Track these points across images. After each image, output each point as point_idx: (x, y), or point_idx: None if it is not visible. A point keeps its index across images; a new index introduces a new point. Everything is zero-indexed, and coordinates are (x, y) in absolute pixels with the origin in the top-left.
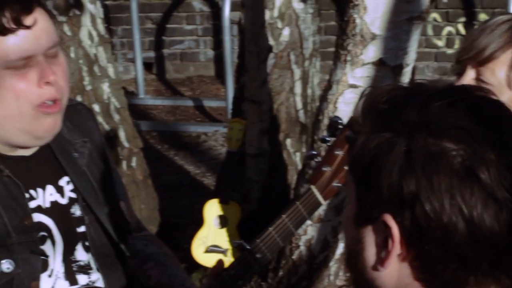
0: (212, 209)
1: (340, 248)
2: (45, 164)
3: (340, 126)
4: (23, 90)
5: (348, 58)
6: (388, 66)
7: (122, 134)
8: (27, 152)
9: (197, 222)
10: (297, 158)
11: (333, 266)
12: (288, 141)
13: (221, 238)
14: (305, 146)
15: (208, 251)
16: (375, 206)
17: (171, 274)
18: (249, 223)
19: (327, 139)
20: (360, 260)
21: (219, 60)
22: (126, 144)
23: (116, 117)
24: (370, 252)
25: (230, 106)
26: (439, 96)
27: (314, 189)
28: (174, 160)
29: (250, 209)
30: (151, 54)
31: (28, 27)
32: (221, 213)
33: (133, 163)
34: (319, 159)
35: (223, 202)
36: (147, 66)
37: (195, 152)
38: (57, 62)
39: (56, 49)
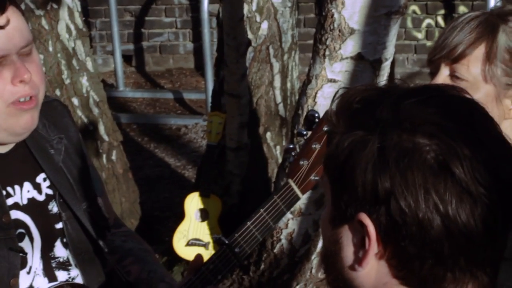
0: (193, 203)
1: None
2: (21, 161)
3: (317, 120)
4: None
5: (327, 52)
6: (367, 60)
7: (101, 128)
8: (2, 150)
9: (178, 215)
10: (277, 152)
11: (314, 259)
12: (268, 135)
13: (202, 231)
14: (285, 139)
15: (189, 244)
16: (350, 205)
17: (151, 269)
18: (230, 216)
19: (304, 132)
20: (338, 260)
21: (198, 52)
22: (105, 138)
23: (96, 110)
24: (348, 252)
25: (210, 99)
26: (411, 94)
27: (291, 182)
28: (155, 153)
29: (231, 203)
30: (130, 46)
31: (1, 27)
32: (202, 206)
33: (113, 157)
34: (296, 152)
35: (203, 196)
36: (126, 58)
37: (176, 144)
38: (31, 59)
39: (30, 47)
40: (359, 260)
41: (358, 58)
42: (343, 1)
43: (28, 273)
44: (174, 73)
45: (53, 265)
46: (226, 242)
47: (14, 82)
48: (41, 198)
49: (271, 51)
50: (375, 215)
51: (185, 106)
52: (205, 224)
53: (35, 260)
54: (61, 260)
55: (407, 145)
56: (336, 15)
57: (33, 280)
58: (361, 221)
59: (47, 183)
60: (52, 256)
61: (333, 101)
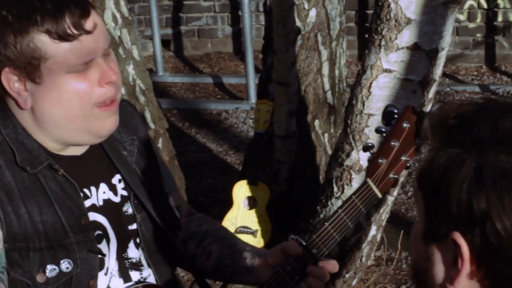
0: (241, 190)
1: (373, 231)
2: (97, 163)
3: (396, 116)
4: (86, 90)
5: (383, 42)
6: (423, 50)
7: (148, 116)
8: (78, 151)
9: (222, 201)
10: (325, 139)
11: (365, 248)
12: (316, 122)
13: (251, 219)
14: (333, 127)
15: (237, 232)
16: (444, 223)
17: (230, 244)
18: (278, 204)
19: (383, 129)
20: (429, 277)
21: (237, 36)
22: (152, 126)
23: (142, 99)
24: (439, 270)
25: (251, 83)
26: (510, 112)
27: (370, 182)
28: (196, 138)
29: (279, 190)
30: (169, 31)
31: (89, 32)
32: (250, 194)
33: (160, 144)
34: (374, 151)
35: (252, 183)
36: (165, 43)
37: (217, 130)
38: (110, 58)
39: (110, 47)
40: (451, 278)
41: (414, 48)
42: None
43: (106, 274)
44: (213, 58)
45: (127, 265)
46: (304, 243)
47: (101, 84)
48: (116, 199)
49: (319, 38)
50: (469, 236)
51: (225, 90)
52: (253, 212)
53: (111, 261)
54: (133, 261)
55: (505, 166)
56: (393, 5)
57: (109, 281)
58: (454, 240)
59: (122, 184)
60: (126, 256)
61: (428, 114)
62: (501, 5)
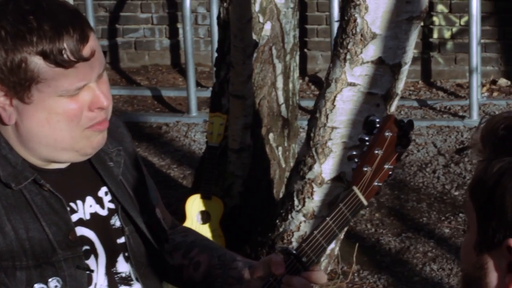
0: (194, 204)
1: (332, 244)
2: (82, 175)
3: (378, 125)
4: (76, 114)
5: (348, 56)
6: (387, 65)
7: None
8: (63, 164)
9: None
10: (279, 153)
11: (323, 261)
12: (271, 136)
13: (205, 233)
14: (287, 140)
15: None
16: (498, 231)
17: (220, 254)
18: (232, 218)
19: (366, 138)
20: (482, 286)
21: (174, 49)
22: None
23: None
24: (493, 278)
25: (192, 96)
26: None
27: (356, 189)
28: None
29: (232, 204)
30: (105, 42)
31: (86, 59)
32: (203, 208)
33: None
34: (359, 159)
35: (205, 198)
36: None
37: (158, 143)
38: (103, 81)
39: (104, 71)
40: (504, 286)
41: (379, 62)
42: (367, 6)
43: None
44: (150, 70)
45: (116, 280)
46: (294, 252)
47: (92, 108)
48: (104, 212)
49: (274, 51)
50: None
51: (164, 103)
52: (206, 226)
53: (99, 276)
54: (123, 275)
55: None
56: (359, 20)
57: None
58: (510, 247)
59: (109, 197)
60: (115, 271)
61: (477, 128)
62: (437, 22)
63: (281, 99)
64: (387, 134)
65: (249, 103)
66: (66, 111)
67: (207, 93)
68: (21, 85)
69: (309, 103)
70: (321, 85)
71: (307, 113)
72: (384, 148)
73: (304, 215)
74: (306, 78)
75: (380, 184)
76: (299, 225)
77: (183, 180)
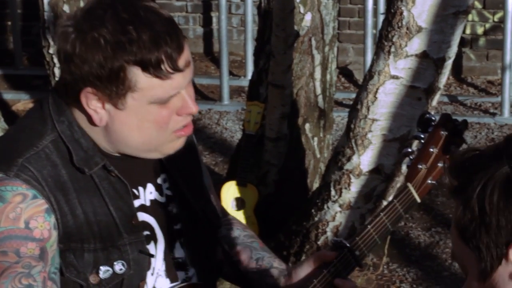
0: (230, 191)
1: None
2: (144, 163)
3: (433, 123)
4: (165, 120)
5: (392, 49)
6: (431, 58)
7: None
8: None
9: None
10: (315, 143)
11: None
12: (307, 126)
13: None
14: (323, 131)
15: None
16: (496, 243)
17: (258, 257)
18: (266, 206)
19: (422, 136)
20: None
21: (208, 37)
22: None
23: None
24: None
25: (225, 84)
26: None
27: (410, 186)
28: None
29: (267, 192)
30: None
31: (182, 71)
32: (238, 195)
33: None
34: (414, 156)
35: (240, 185)
36: None
37: None
38: (191, 85)
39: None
40: None
41: (423, 56)
42: (414, 0)
43: (152, 274)
44: None
45: (173, 265)
46: (348, 245)
47: (181, 113)
48: (162, 199)
49: (313, 42)
50: None
51: (196, 91)
52: (241, 213)
53: (158, 261)
54: (180, 260)
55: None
56: (405, 13)
57: (155, 281)
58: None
59: (167, 184)
60: (172, 257)
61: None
62: (470, 18)
63: (319, 90)
64: (442, 132)
65: (287, 92)
66: (157, 118)
67: (239, 82)
68: (117, 92)
69: (339, 95)
70: (351, 77)
71: (336, 105)
72: (439, 147)
73: (340, 206)
74: (337, 70)
75: (434, 182)
76: (334, 215)
77: (215, 167)
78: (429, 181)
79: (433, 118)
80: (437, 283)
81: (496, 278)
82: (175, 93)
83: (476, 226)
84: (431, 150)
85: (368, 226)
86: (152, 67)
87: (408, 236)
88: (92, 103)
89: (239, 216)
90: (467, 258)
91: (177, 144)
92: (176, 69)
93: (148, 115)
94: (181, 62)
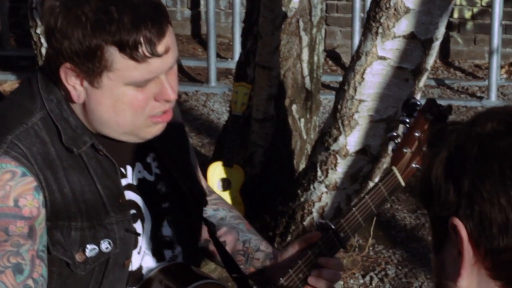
0: (216, 172)
1: None
2: (133, 142)
3: (418, 108)
4: (141, 104)
5: (380, 30)
6: (418, 39)
7: None
8: None
9: None
10: (301, 124)
11: None
12: (294, 107)
13: None
14: (309, 112)
15: None
16: (442, 214)
17: (245, 239)
18: (252, 187)
19: (407, 120)
20: (447, 286)
21: (195, 20)
22: None
23: None
24: (449, 269)
25: (212, 66)
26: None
27: (395, 170)
28: None
29: (253, 173)
30: None
31: (160, 56)
32: (224, 176)
33: None
34: (399, 140)
35: (227, 165)
36: None
37: None
38: (172, 72)
39: (175, 63)
40: (458, 270)
41: (411, 37)
42: None
43: (139, 253)
44: None
45: (160, 244)
46: (332, 227)
47: (158, 99)
48: (151, 178)
49: (301, 24)
50: (464, 220)
51: (184, 73)
52: (227, 193)
53: (144, 240)
54: (167, 239)
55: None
56: None
57: (142, 260)
58: (453, 224)
59: (156, 163)
60: (160, 235)
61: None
62: (458, 2)
63: (306, 71)
64: (427, 117)
65: (274, 74)
66: (132, 101)
67: (226, 64)
68: (93, 70)
69: (326, 78)
70: (339, 60)
71: (323, 88)
72: (424, 131)
73: (326, 186)
74: (324, 53)
75: (418, 166)
76: (320, 195)
77: (201, 149)
78: (414, 165)
79: (418, 103)
80: (423, 265)
81: (443, 257)
82: (153, 77)
83: (426, 197)
84: (416, 134)
85: (353, 208)
86: (129, 49)
87: (394, 218)
88: (71, 79)
89: (225, 196)
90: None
91: (154, 129)
92: (154, 54)
93: (123, 97)
94: (160, 48)
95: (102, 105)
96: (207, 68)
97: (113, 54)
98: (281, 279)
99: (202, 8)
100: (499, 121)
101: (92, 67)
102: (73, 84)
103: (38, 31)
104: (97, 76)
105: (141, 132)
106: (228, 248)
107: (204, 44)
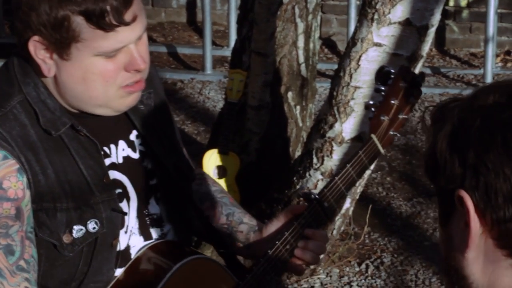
0: (211, 159)
1: (347, 204)
2: (114, 120)
3: (392, 76)
4: (111, 75)
5: (375, 16)
6: (414, 26)
7: None
8: None
9: None
10: (297, 111)
11: (337, 221)
12: (289, 94)
13: None
14: (305, 99)
15: None
16: (449, 187)
17: (229, 212)
18: (247, 174)
19: (382, 88)
20: (452, 257)
21: (191, 7)
22: None
23: None
24: (457, 241)
25: (208, 54)
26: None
27: (374, 137)
28: None
29: (248, 160)
30: None
31: (128, 24)
32: (220, 163)
33: None
34: (376, 108)
35: (222, 153)
36: None
37: (172, 99)
38: (142, 42)
39: (144, 32)
40: (465, 242)
41: (406, 24)
42: None
43: (126, 232)
44: (166, 27)
45: (147, 222)
46: (317, 197)
47: (128, 69)
48: (135, 155)
49: (297, 10)
50: (470, 191)
51: (179, 60)
52: (222, 181)
53: (131, 219)
54: (155, 217)
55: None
56: None
57: (129, 239)
58: (460, 196)
59: (140, 140)
60: (147, 213)
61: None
62: None
63: (301, 59)
64: (401, 84)
65: (270, 61)
66: (102, 72)
67: (221, 52)
68: (61, 42)
69: (322, 66)
70: (334, 48)
71: (319, 76)
72: (399, 98)
73: (322, 174)
74: (320, 41)
75: (396, 133)
76: (316, 183)
77: (197, 136)
78: (391, 132)
79: (392, 70)
80: (418, 253)
81: (450, 230)
82: (121, 47)
83: (432, 172)
84: (392, 102)
85: (336, 177)
86: (95, 18)
87: (389, 206)
88: (41, 52)
89: (221, 184)
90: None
91: (128, 100)
92: (121, 22)
93: (93, 68)
94: (127, 16)
95: (72, 77)
96: (202, 56)
97: (80, 24)
98: (268, 251)
99: None
100: (501, 93)
101: (60, 39)
102: (43, 57)
103: None
104: (65, 47)
105: (114, 104)
106: (212, 222)
107: (199, 31)
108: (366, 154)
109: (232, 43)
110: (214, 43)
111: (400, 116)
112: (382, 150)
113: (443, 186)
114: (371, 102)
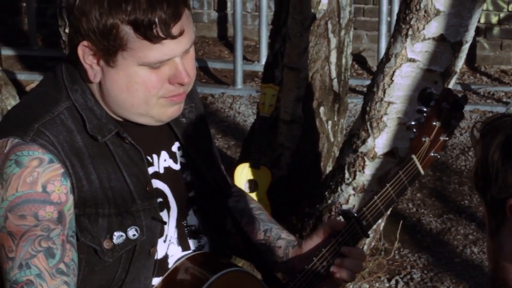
0: (243, 173)
1: (379, 220)
2: (158, 131)
3: (435, 98)
4: (154, 85)
5: (410, 32)
6: (448, 42)
7: None
8: None
9: None
10: (329, 126)
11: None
12: (321, 109)
13: None
14: (337, 114)
15: None
16: (497, 199)
17: (266, 228)
18: (279, 188)
19: (424, 109)
20: (504, 268)
21: (222, 22)
22: None
23: None
24: (509, 251)
25: (238, 68)
26: None
27: (415, 158)
28: None
29: (280, 175)
30: None
31: (174, 38)
32: (251, 177)
33: None
34: (417, 129)
35: (254, 167)
36: None
37: None
38: (189, 56)
39: (192, 46)
40: None
41: (440, 40)
42: None
43: (164, 241)
44: (197, 42)
45: (186, 233)
46: (356, 215)
47: (172, 82)
48: (177, 167)
49: (330, 26)
50: None
51: (210, 75)
52: (253, 195)
53: (170, 228)
54: (193, 228)
55: None
56: None
57: (168, 249)
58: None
59: (181, 152)
60: (185, 224)
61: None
62: (484, 7)
63: (334, 74)
64: (444, 107)
65: (302, 75)
66: (145, 82)
67: (252, 67)
68: (108, 49)
69: (352, 82)
70: (365, 64)
71: (349, 91)
72: (441, 120)
73: (353, 189)
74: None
75: (436, 154)
76: (348, 198)
77: (227, 151)
78: (432, 154)
79: (434, 92)
80: (448, 270)
81: (501, 239)
82: (166, 59)
83: (483, 182)
84: (434, 123)
85: (375, 197)
86: (143, 28)
87: (419, 222)
88: (89, 58)
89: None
90: (485, 214)
91: (170, 111)
92: (168, 35)
93: (136, 77)
94: (175, 29)
95: (117, 84)
96: (233, 70)
97: (128, 34)
98: (306, 266)
99: (229, 11)
100: None
101: (107, 46)
102: (90, 63)
103: (67, 30)
104: (112, 55)
105: (156, 113)
106: (250, 238)
107: (230, 46)
108: (406, 175)
109: (263, 58)
110: (244, 58)
111: (441, 138)
112: (422, 171)
113: (494, 196)
114: (412, 123)
